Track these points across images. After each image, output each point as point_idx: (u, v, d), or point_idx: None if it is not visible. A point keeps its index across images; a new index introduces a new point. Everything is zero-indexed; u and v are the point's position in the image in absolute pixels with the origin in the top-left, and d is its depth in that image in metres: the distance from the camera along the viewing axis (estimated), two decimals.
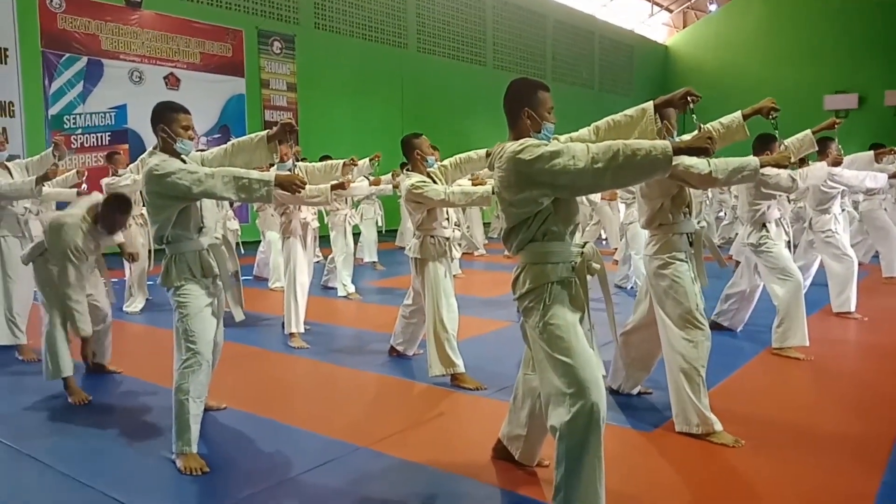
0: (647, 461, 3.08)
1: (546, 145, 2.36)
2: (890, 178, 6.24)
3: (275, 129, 3.31)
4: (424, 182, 4.14)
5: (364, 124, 14.77)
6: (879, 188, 6.22)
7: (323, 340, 5.45)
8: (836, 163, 5.51)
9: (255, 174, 2.99)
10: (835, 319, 5.95)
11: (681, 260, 3.34)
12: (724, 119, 3.35)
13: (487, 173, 4.32)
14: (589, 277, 2.53)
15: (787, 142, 4.54)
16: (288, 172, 3.19)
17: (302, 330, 5.31)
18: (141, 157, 6.69)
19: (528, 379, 2.84)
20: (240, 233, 7.41)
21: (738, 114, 3.35)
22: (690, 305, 3.27)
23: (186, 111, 3.21)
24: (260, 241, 8.61)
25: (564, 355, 2.35)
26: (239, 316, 3.40)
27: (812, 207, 5.93)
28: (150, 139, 10.16)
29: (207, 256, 3.19)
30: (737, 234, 12.21)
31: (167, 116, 3.15)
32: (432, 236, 4.29)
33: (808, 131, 4.65)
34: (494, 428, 3.18)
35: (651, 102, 2.69)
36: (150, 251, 6.25)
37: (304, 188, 3.07)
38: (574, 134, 2.78)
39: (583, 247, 2.52)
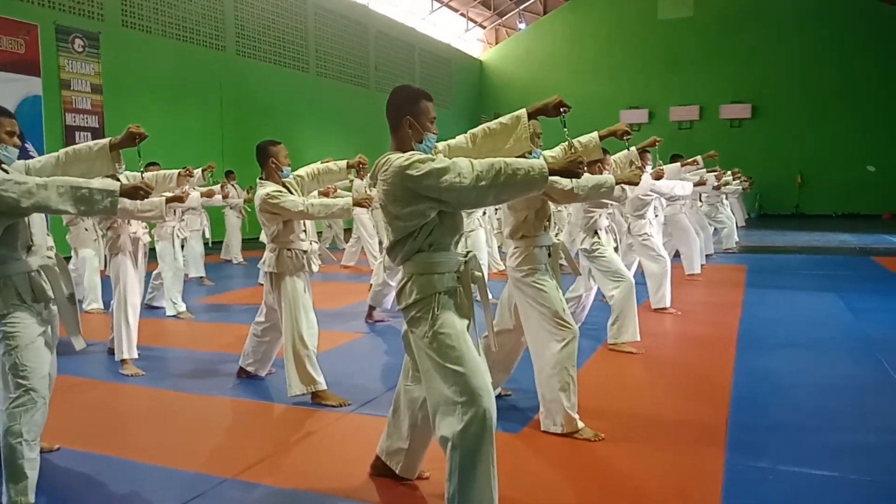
0: (522, 462, 3.16)
1: (432, 160, 2.36)
2: (694, 186, 7.00)
3: (119, 136, 2.98)
4: (281, 192, 3.96)
5: (181, 130, 13.85)
6: (686, 195, 6.94)
7: (159, 365, 5.02)
8: (659, 175, 6.07)
9: (95, 183, 2.67)
10: (654, 314, 6.53)
11: (542, 270, 3.49)
12: (583, 138, 3.57)
13: (343, 185, 4.24)
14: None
15: (616, 156, 4.95)
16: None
17: (135, 355, 4.84)
18: None
19: (409, 390, 2.81)
20: (55, 250, 6.56)
21: (595, 134, 3.58)
22: (557, 308, 3.43)
23: (11, 115, 2.81)
24: (70, 258, 7.75)
25: (455, 364, 2.35)
26: (80, 344, 3.01)
27: (629, 213, 6.49)
28: None
29: (39, 279, 2.80)
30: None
31: None
32: (289, 249, 4.11)
33: (633, 148, 5.08)
34: (366, 444, 3.12)
35: (525, 110, 2.77)
36: None
37: (150, 194, 2.82)
38: (451, 142, 2.80)
39: (465, 255, 2.56)
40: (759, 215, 22.57)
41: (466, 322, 2.50)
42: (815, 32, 22.35)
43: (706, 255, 10.05)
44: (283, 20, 17.45)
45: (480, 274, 2.59)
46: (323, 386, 4.01)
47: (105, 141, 3.01)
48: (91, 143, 3.05)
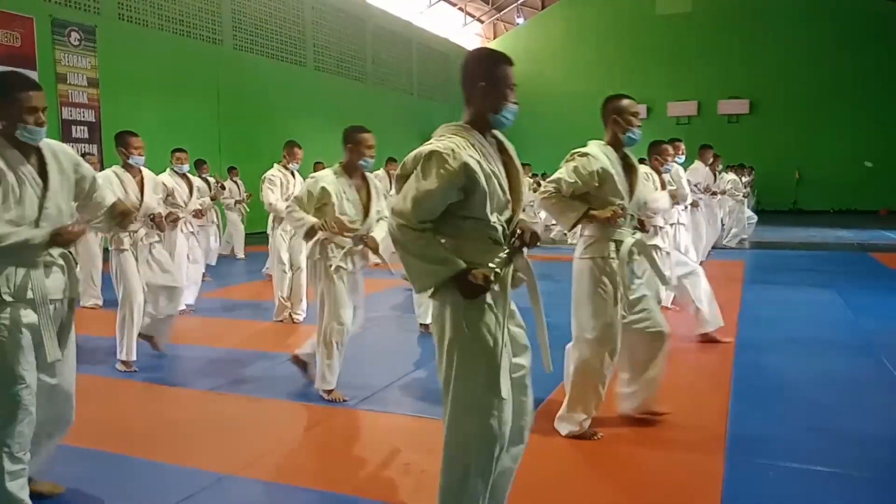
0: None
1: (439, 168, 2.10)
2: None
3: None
4: (299, 202, 3.94)
5: (177, 125, 13.75)
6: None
7: (158, 361, 4.98)
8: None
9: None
10: None
11: (609, 270, 3.31)
12: None
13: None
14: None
15: None
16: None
17: (133, 358, 4.72)
18: None
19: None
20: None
21: None
22: (611, 314, 3.31)
23: (36, 87, 2.51)
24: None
25: (476, 365, 2.14)
26: (53, 355, 2.65)
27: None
28: None
29: (29, 279, 2.56)
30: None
31: (7, 96, 2.42)
32: (327, 240, 3.96)
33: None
34: (365, 439, 3.11)
35: None
36: None
37: (80, 236, 2.65)
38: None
39: (509, 250, 2.25)
40: (757, 211, 22.51)
41: (501, 323, 2.18)
42: (813, 28, 22.32)
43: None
44: (281, 14, 17.37)
45: (526, 276, 2.29)
46: (330, 387, 3.95)
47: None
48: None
